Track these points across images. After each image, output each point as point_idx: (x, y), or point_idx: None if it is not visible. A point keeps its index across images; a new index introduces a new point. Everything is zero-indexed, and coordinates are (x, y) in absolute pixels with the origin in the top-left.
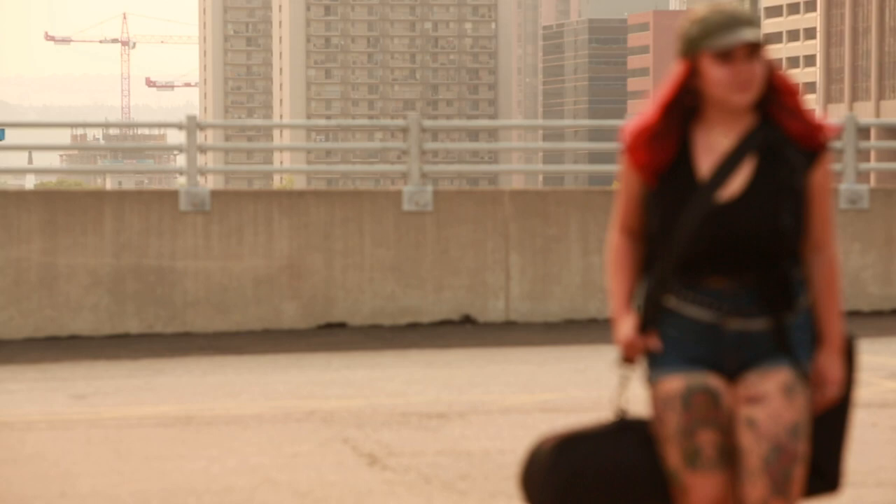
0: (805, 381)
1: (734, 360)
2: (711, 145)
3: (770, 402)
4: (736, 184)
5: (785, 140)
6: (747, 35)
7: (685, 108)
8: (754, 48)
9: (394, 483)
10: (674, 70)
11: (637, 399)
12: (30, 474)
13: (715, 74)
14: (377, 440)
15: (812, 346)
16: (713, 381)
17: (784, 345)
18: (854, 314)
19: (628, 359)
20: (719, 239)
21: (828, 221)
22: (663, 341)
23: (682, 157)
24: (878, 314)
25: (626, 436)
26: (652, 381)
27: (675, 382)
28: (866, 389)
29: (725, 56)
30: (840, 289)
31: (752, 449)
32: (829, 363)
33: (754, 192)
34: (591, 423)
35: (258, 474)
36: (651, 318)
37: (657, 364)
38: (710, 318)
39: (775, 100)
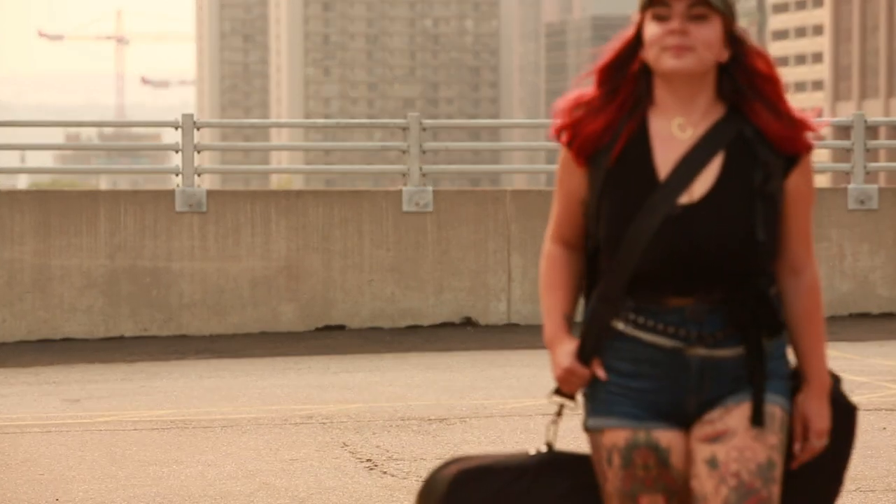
0: (782, 415)
1: (696, 397)
2: (669, 138)
3: (735, 438)
4: (700, 186)
5: (759, 137)
6: None
7: (636, 87)
8: (701, 7)
9: (393, 488)
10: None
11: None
12: (23, 479)
13: (648, 33)
14: (376, 445)
15: (789, 380)
16: (663, 435)
17: (758, 374)
18: (863, 317)
19: (566, 392)
20: (679, 249)
21: (807, 237)
22: (608, 377)
23: (636, 148)
24: (887, 316)
25: (548, 478)
26: (591, 428)
27: (616, 435)
28: (876, 393)
29: (662, 10)
30: (822, 318)
31: (712, 494)
32: (813, 409)
33: (721, 195)
34: (511, 454)
35: (255, 479)
36: (594, 344)
37: (597, 408)
38: (669, 344)
39: (750, 89)
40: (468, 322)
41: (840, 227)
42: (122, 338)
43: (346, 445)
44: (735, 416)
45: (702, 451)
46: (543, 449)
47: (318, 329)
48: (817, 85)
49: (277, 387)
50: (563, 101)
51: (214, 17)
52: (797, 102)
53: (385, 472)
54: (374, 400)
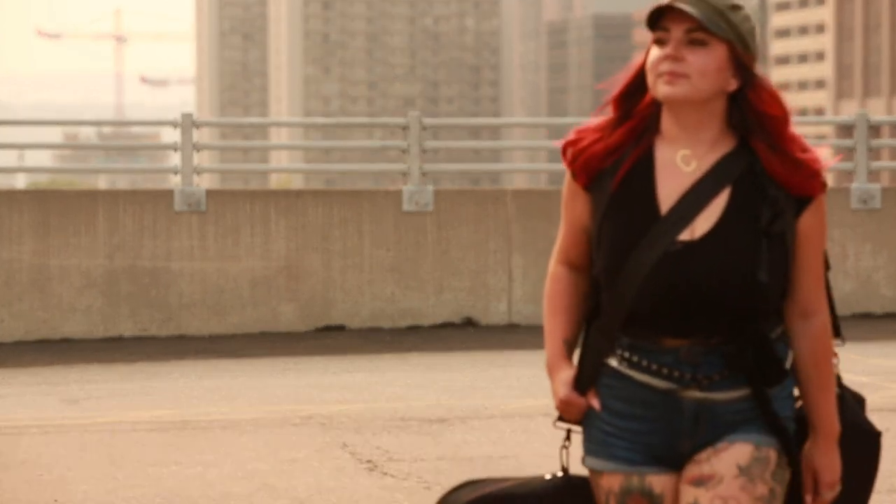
0: (777, 460)
1: (690, 440)
2: (673, 170)
3: (721, 485)
4: (703, 222)
5: (769, 175)
6: (677, 2)
7: (649, 114)
8: (700, 33)
9: (393, 489)
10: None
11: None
12: (22, 480)
13: (649, 58)
14: (376, 445)
15: (791, 421)
16: (657, 480)
17: (771, 421)
18: (865, 317)
19: (568, 419)
20: (676, 288)
21: (819, 279)
22: (604, 415)
23: (639, 177)
24: (890, 316)
25: (568, 499)
26: (588, 467)
27: (611, 479)
28: (879, 394)
29: (662, 35)
30: (832, 365)
31: None
32: (822, 460)
33: (725, 232)
34: (527, 479)
35: (255, 480)
36: (590, 376)
37: (593, 448)
38: (662, 386)
39: (757, 126)
40: (468, 322)
41: (843, 227)
42: (121, 338)
43: (346, 446)
44: (724, 459)
45: (686, 495)
46: (559, 473)
47: (317, 329)
48: (820, 84)
49: (277, 387)
50: (580, 127)
51: (214, 15)
52: (800, 101)
53: (385, 473)
54: (374, 400)
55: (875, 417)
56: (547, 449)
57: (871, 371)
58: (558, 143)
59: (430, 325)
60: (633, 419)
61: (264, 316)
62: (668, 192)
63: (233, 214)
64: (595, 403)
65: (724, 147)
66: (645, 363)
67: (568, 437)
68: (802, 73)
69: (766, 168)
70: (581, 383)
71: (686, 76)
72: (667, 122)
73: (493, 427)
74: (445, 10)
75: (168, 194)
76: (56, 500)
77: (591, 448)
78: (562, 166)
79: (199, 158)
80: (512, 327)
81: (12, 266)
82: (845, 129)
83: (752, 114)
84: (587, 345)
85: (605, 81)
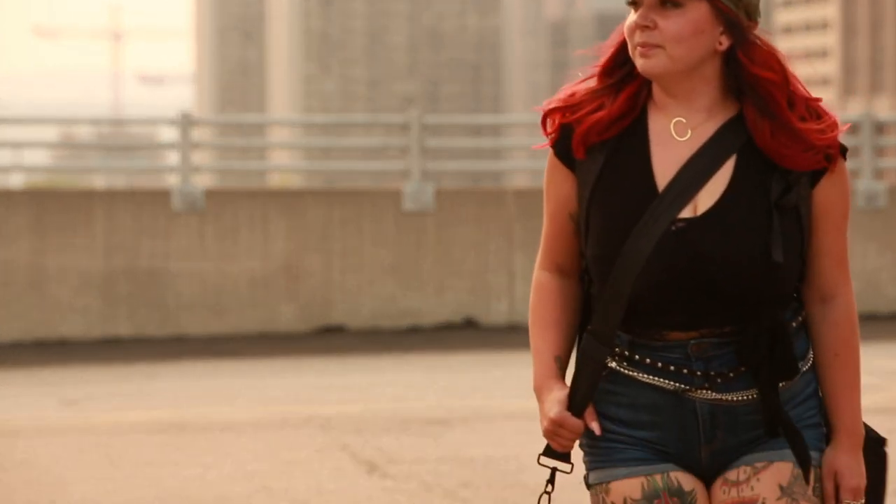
0: (814, 478)
1: (708, 446)
2: (669, 141)
3: None
4: (706, 197)
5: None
6: None
7: (641, 83)
8: None
9: (394, 491)
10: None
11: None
12: (20, 482)
13: (625, 26)
14: (377, 447)
15: (820, 427)
16: (684, 477)
17: (781, 425)
18: (870, 317)
19: (558, 448)
20: (680, 272)
21: (841, 257)
22: (607, 424)
23: (632, 151)
24: (895, 316)
25: None
26: (594, 484)
27: (628, 485)
28: (883, 395)
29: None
30: (856, 357)
31: None
32: (845, 464)
33: (731, 207)
34: None
35: (254, 482)
36: (587, 390)
37: (600, 459)
38: (671, 387)
39: (750, 90)
40: (469, 322)
41: (848, 226)
42: (119, 338)
43: (346, 447)
44: (765, 482)
45: None
46: None
47: (317, 329)
48: (825, 81)
49: (277, 388)
50: (558, 94)
51: (212, 13)
52: None
53: (385, 475)
54: (374, 401)
55: (880, 419)
56: None
57: (875, 372)
58: (540, 109)
59: (430, 326)
60: (641, 427)
61: (263, 316)
62: (665, 165)
63: (231, 214)
64: (595, 426)
65: (725, 113)
66: (649, 361)
67: (551, 481)
68: (807, 70)
69: (754, 138)
70: (575, 400)
71: (660, 46)
72: (657, 89)
73: (495, 428)
74: (446, 8)
75: (166, 194)
76: (54, 502)
77: (596, 461)
78: None
79: (197, 157)
80: (513, 327)
81: (9, 266)
82: (850, 128)
83: (744, 76)
84: (581, 356)
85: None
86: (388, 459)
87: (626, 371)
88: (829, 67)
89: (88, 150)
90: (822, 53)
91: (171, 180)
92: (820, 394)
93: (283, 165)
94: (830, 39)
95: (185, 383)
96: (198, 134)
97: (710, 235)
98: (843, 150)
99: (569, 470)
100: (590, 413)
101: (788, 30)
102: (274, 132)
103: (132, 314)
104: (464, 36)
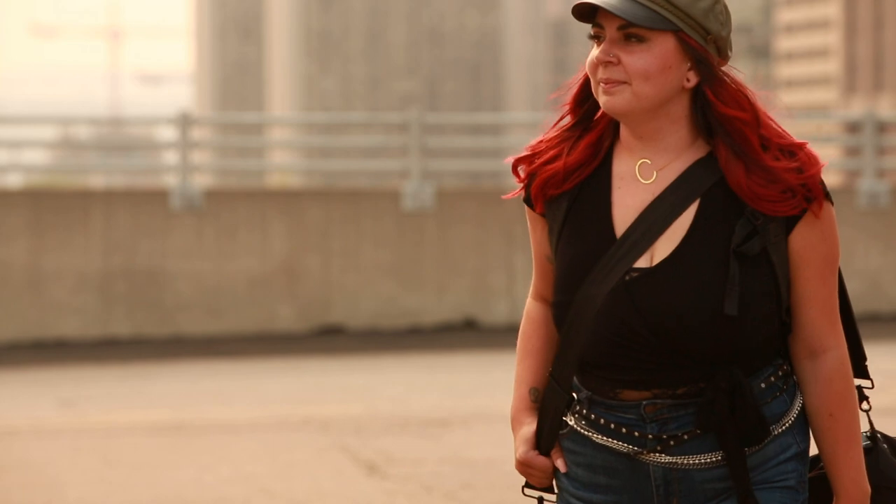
0: None
1: None
2: (632, 184)
3: None
4: (664, 245)
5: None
6: None
7: (607, 122)
8: (632, 28)
9: (394, 493)
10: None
11: None
12: (15, 483)
13: (587, 61)
14: (376, 448)
15: (797, 492)
16: None
17: (737, 483)
18: (873, 318)
19: (536, 484)
20: (631, 327)
21: (828, 309)
22: (564, 484)
23: (595, 196)
24: None
25: None
26: None
27: None
28: (885, 396)
29: (598, 31)
30: (853, 414)
31: None
32: None
33: (687, 256)
34: None
35: (253, 483)
36: (552, 429)
37: None
38: (624, 449)
39: (721, 132)
40: (470, 322)
41: (850, 227)
42: (116, 339)
43: (346, 448)
44: None
45: None
46: None
47: (316, 330)
48: (828, 80)
49: (275, 389)
50: (534, 141)
51: (211, 11)
52: (807, 98)
53: (385, 476)
54: (373, 402)
55: (884, 421)
56: None
57: (878, 372)
58: (509, 161)
59: (430, 326)
60: (596, 490)
61: (262, 317)
62: (625, 210)
63: (230, 213)
64: (560, 464)
65: (694, 153)
66: (603, 421)
67: None
68: (810, 69)
69: (728, 179)
70: (542, 441)
71: (624, 83)
72: (623, 129)
73: (495, 429)
74: (446, 7)
75: (164, 193)
76: (50, 503)
77: None
78: None
79: (196, 157)
80: (513, 327)
81: (7, 266)
82: (853, 127)
83: (713, 115)
84: (543, 399)
85: (558, 87)
86: (388, 460)
87: (583, 431)
88: (832, 66)
89: (86, 150)
90: (824, 52)
91: (170, 180)
92: (812, 454)
93: (283, 165)
94: (832, 38)
95: (183, 384)
96: (197, 133)
97: (662, 287)
98: (826, 192)
99: (555, 499)
100: (556, 451)
101: (790, 28)
102: (273, 131)
103: (130, 314)
104: (464, 35)
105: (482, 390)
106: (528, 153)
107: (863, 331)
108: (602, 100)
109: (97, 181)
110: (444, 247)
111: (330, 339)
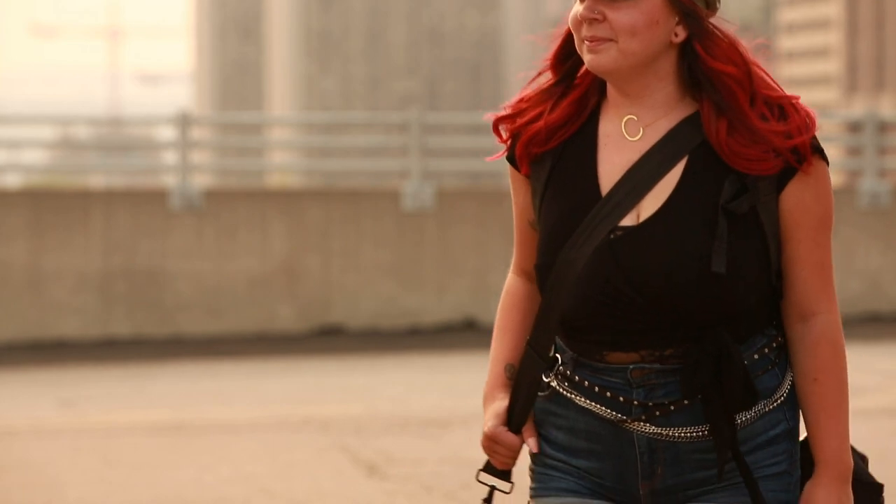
0: None
1: (648, 484)
2: (619, 142)
3: None
4: (650, 203)
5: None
6: None
7: (592, 79)
8: None
9: (394, 493)
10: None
11: None
12: (15, 483)
13: (570, 16)
14: (376, 448)
15: (788, 474)
16: None
17: (736, 464)
18: (873, 318)
19: (497, 465)
20: (616, 286)
21: (821, 270)
22: (546, 448)
23: (580, 154)
24: None
25: None
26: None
27: None
28: (885, 396)
29: None
30: (842, 382)
31: None
32: (822, 498)
33: (673, 214)
34: None
35: (253, 484)
36: (525, 403)
37: (536, 486)
38: (608, 415)
39: (709, 88)
40: (470, 322)
41: (850, 226)
42: (116, 339)
43: (346, 449)
44: None
45: None
46: None
47: (316, 330)
48: (829, 79)
49: (275, 389)
50: (517, 97)
51: (211, 11)
52: (809, 97)
53: (385, 476)
54: (373, 402)
55: (884, 421)
56: None
57: (878, 373)
58: (489, 118)
59: (430, 326)
60: (578, 455)
61: (262, 317)
62: (611, 168)
63: (230, 213)
64: (532, 444)
65: (682, 111)
66: (587, 384)
67: (489, 500)
68: (811, 69)
69: (708, 137)
70: (514, 418)
71: (610, 40)
72: (610, 87)
73: None
74: (446, 6)
75: (164, 193)
76: (50, 503)
77: (533, 490)
78: None
79: (196, 157)
80: None
81: (6, 266)
82: (854, 127)
83: (702, 70)
84: (520, 369)
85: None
86: (388, 461)
87: (566, 392)
88: (833, 66)
89: (86, 150)
90: (826, 51)
91: (170, 180)
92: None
93: (282, 165)
94: (834, 37)
95: (183, 384)
96: (196, 133)
97: (648, 245)
98: (818, 150)
99: (508, 490)
100: (528, 429)
101: (791, 28)
102: (273, 131)
103: (130, 314)
104: (464, 35)
105: (482, 390)
106: (510, 112)
107: (863, 331)
108: (587, 58)
109: (97, 181)
110: (444, 247)
111: (330, 339)
